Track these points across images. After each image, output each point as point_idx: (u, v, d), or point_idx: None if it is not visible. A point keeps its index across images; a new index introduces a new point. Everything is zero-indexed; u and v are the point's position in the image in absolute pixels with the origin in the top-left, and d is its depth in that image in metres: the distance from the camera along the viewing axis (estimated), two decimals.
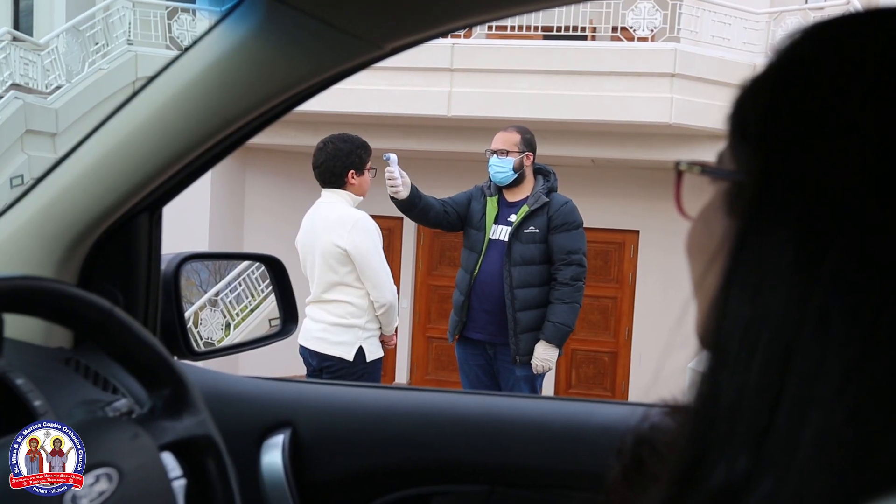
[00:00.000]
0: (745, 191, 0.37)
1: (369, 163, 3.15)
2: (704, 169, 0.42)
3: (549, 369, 3.20)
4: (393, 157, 3.10)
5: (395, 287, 3.13)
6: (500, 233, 3.21)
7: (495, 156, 3.21)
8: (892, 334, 0.32)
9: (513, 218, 3.19)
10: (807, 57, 0.38)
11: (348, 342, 3.06)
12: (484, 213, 3.26)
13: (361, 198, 3.16)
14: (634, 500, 0.44)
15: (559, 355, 3.23)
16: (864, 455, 0.31)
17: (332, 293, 3.09)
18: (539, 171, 3.30)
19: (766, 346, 0.34)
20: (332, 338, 3.07)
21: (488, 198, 3.27)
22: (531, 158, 3.25)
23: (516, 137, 3.23)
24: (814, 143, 0.35)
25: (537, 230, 3.15)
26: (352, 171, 3.08)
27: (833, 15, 0.38)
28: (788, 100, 0.37)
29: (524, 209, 3.17)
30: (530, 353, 3.15)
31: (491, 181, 3.28)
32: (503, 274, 3.16)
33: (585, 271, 3.20)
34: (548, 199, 3.17)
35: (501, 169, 3.19)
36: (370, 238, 3.04)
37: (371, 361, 3.10)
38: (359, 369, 3.06)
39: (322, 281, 3.09)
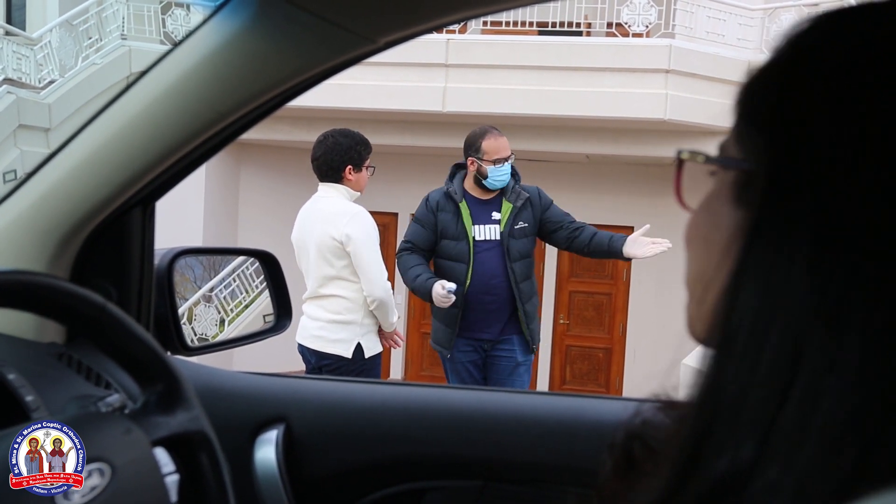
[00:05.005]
0: (756, 180, 0.36)
1: (368, 160, 3.14)
2: (709, 158, 0.41)
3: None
4: (452, 286, 3.04)
5: (389, 284, 3.10)
6: (487, 232, 3.17)
7: (506, 162, 3.14)
8: None
9: (496, 215, 3.17)
10: (820, 44, 0.37)
11: (346, 339, 3.05)
12: (460, 221, 3.18)
13: (359, 193, 3.15)
14: (625, 494, 0.44)
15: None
16: (871, 447, 0.31)
17: (328, 287, 3.08)
18: None
19: (778, 338, 0.33)
20: (330, 335, 3.06)
21: (460, 203, 3.18)
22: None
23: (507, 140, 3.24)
24: (829, 129, 0.34)
25: (526, 224, 3.18)
26: (349, 166, 3.06)
27: (841, 6, 0.38)
28: (802, 86, 0.36)
29: (508, 206, 3.16)
30: (537, 339, 3.30)
31: (448, 186, 3.20)
32: (505, 272, 3.16)
33: None
34: (527, 194, 3.20)
35: (507, 174, 3.17)
36: (366, 231, 3.03)
37: (370, 357, 3.09)
38: (358, 366, 3.05)
39: (318, 275, 3.08)
